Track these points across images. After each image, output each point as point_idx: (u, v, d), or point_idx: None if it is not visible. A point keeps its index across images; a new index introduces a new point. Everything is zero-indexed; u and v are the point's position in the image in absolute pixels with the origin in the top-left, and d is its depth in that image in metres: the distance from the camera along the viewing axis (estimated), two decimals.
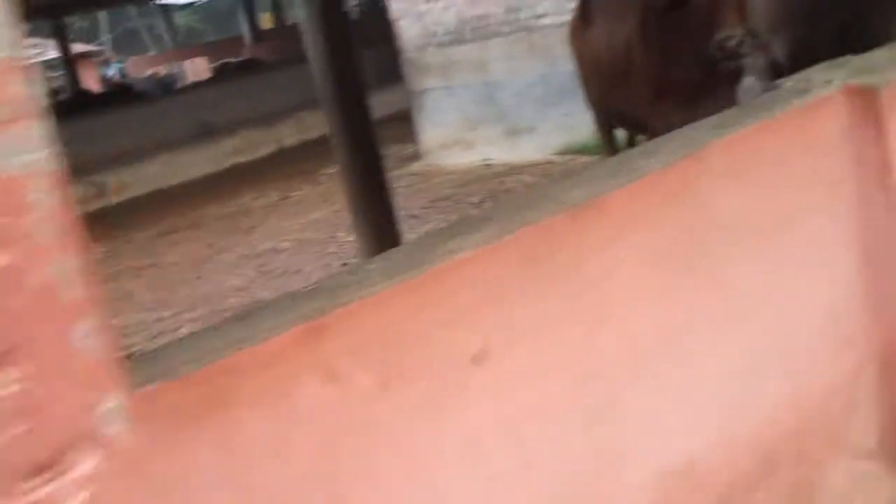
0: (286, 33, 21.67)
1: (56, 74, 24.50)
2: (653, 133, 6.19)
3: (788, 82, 2.36)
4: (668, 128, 5.74)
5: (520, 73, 10.74)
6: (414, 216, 9.48)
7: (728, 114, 2.16)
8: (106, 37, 39.12)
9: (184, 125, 15.90)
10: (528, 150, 10.80)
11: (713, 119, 2.13)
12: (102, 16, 37.46)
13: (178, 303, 8.35)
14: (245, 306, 7.05)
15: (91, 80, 25.71)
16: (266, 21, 27.75)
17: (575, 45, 6.84)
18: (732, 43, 4.80)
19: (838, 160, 2.22)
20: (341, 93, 5.74)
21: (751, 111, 2.10)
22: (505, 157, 11.00)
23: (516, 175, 10.24)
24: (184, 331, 7.49)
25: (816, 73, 2.39)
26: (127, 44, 40.32)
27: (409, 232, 8.85)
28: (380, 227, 5.91)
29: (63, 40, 19.87)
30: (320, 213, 10.84)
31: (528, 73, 10.64)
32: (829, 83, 2.26)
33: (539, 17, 10.27)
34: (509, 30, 10.66)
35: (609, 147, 7.15)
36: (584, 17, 6.64)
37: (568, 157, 10.21)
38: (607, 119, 6.83)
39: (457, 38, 11.33)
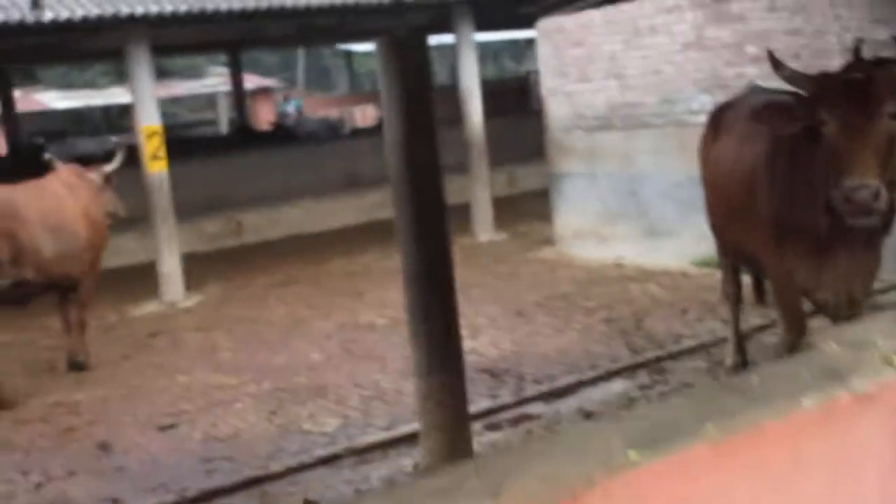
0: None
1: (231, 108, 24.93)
2: (772, 281, 5.23)
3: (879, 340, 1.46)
4: (787, 280, 4.80)
5: (667, 170, 9.83)
6: (520, 313, 8.69)
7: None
8: (299, 72, 39.98)
9: (334, 173, 15.61)
10: (664, 255, 9.85)
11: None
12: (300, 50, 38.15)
13: (250, 371, 7.82)
14: None
15: (267, 115, 26.11)
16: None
17: (702, 161, 5.95)
18: (863, 194, 3.83)
19: None
20: (411, 170, 5.04)
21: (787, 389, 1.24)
22: (639, 259, 10.08)
23: (644, 282, 9.30)
24: (239, 406, 6.94)
25: None
26: (317, 81, 41.09)
27: (509, 332, 8.09)
28: (437, 339, 5.15)
29: (237, 74, 20.10)
30: None
31: (675, 172, 9.69)
32: None
33: (694, 112, 9.34)
34: (661, 122, 9.79)
35: (730, 280, 6.20)
36: (713, 130, 5.75)
37: (706, 270, 9.19)
38: (727, 248, 5.89)
39: (605, 123, 10.52)
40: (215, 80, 26.55)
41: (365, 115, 23.92)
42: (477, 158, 13.33)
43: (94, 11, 10.44)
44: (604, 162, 10.63)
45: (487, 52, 41.45)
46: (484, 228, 13.28)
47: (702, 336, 7.22)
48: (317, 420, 6.35)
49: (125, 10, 10.54)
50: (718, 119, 5.76)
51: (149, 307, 10.98)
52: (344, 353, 8.10)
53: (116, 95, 26.33)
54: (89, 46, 13.13)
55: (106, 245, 8.58)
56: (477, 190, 13.34)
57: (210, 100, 30.51)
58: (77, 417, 7.06)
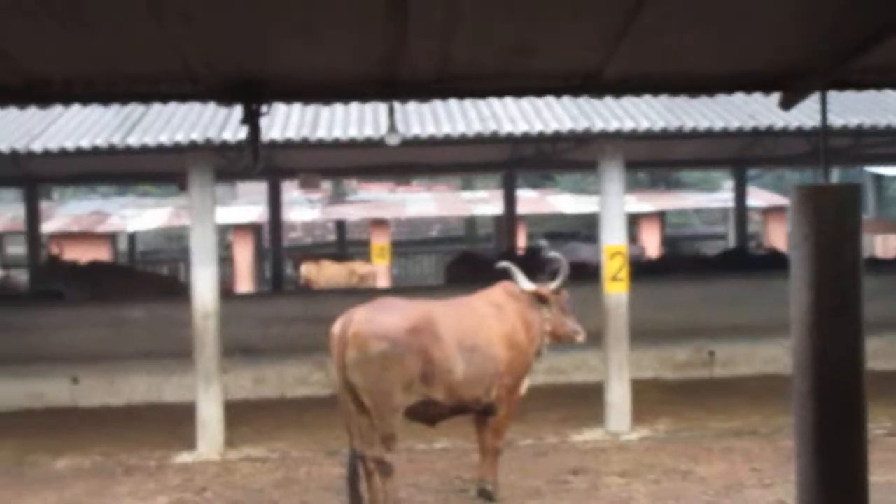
0: None
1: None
2: None
3: None
4: None
5: None
6: None
7: None
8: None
9: None
10: None
11: None
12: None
13: None
14: None
15: (779, 236, 24.73)
16: None
17: None
18: None
19: None
20: (818, 360, 3.88)
21: None
22: None
23: None
24: None
25: None
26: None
27: None
28: None
29: (740, 190, 19.18)
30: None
31: None
32: None
33: None
34: None
35: None
36: None
37: None
38: None
39: None
40: (728, 195, 25.71)
41: (886, 246, 21.49)
42: None
43: (567, 126, 10.27)
44: None
45: None
46: None
47: None
48: None
49: (599, 125, 10.25)
50: None
51: (590, 434, 10.37)
52: None
53: (628, 204, 26.58)
54: (570, 158, 13.12)
55: (527, 371, 8.05)
56: None
57: (725, 214, 29.70)
58: None
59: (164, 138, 9.81)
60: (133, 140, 9.85)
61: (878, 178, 27.31)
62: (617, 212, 10.67)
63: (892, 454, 8.98)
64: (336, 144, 10.15)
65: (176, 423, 10.98)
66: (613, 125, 10.27)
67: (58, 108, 10.20)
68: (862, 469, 3.94)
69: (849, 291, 3.89)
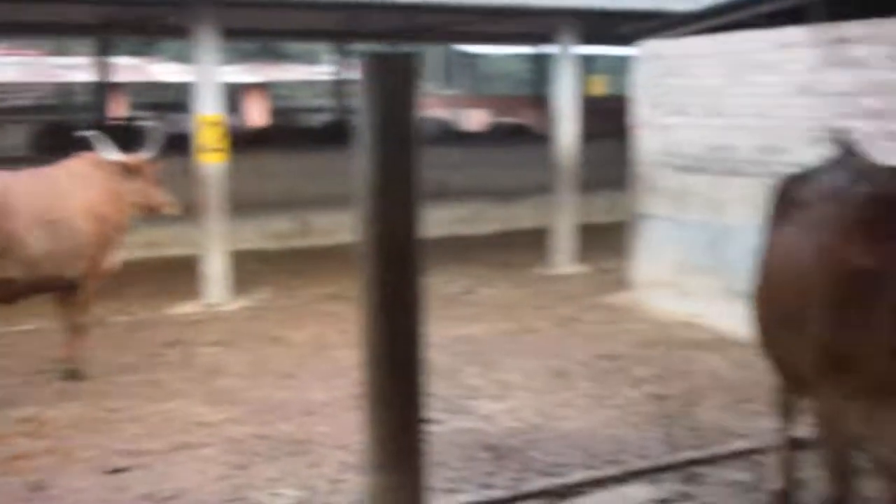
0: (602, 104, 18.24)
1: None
2: (816, 415, 4.09)
3: None
4: (834, 416, 3.68)
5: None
6: (561, 374, 7.60)
7: None
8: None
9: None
10: (743, 320, 8.58)
11: None
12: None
13: (242, 406, 6.96)
14: None
15: None
16: (595, 86, 23.97)
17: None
18: None
19: None
20: (381, 225, 4.06)
21: None
22: (713, 320, 8.83)
23: (710, 352, 8.11)
24: (207, 452, 6.06)
25: None
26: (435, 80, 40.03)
27: (539, 397, 7.04)
28: (393, 430, 4.19)
29: (342, 66, 19.52)
30: (476, 329, 9.16)
31: None
32: None
33: (793, 165, 8.07)
34: (755, 171, 8.52)
35: (780, 408, 5.05)
36: (783, 207, 4.61)
37: None
38: (779, 364, 4.69)
39: (697, 165, 9.31)
40: (333, 67, 26.03)
41: (476, 121, 22.87)
42: (562, 183, 12.26)
43: None
44: (691, 208, 9.43)
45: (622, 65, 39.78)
46: (562, 260, 12.21)
47: (756, 436, 6.00)
48: (274, 490, 5.43)
49: None
50: (790, 194, 4.61)
51: (186, 307, 10.30)
52: (351, 397, 7.16)
53: (233, 74, 26.00)
54: (164, 24, 12.58)
55: (114, 244, 7.75)
56: (559, 217, 12.27)
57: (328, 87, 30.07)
58: (37, 441, 6.28)
59: None
60: None
61: (470, 56, 28.90)
62: (212, 81, 10.45)
63: (466, 310, 9.85)
64: None
65: None
66: None
67: None
68: (418, 323, 4.22)
69: (404, 161, 4.09)
